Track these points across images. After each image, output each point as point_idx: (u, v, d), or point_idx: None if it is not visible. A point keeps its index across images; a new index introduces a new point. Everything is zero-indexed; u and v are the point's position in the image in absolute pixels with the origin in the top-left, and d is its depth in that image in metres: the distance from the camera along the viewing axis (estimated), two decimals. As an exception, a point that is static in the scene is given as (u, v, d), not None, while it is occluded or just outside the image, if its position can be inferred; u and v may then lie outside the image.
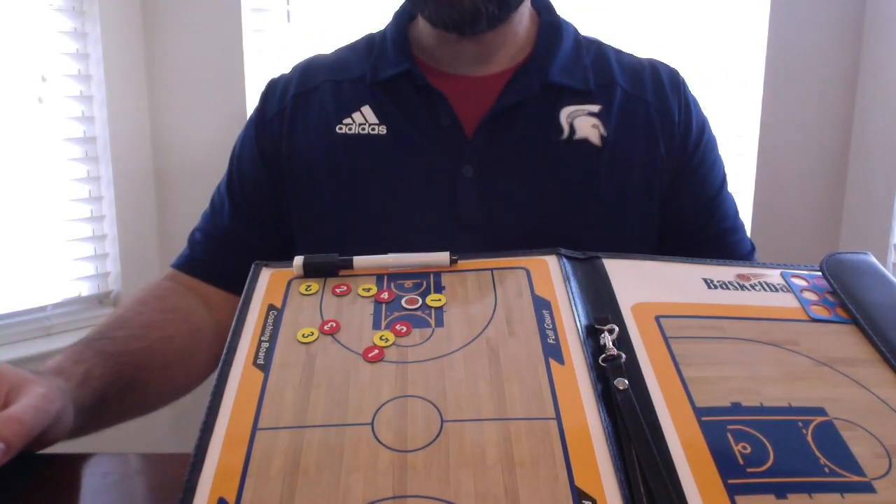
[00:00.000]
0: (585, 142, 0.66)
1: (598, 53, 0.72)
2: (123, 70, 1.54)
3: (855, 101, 1.46)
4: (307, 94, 0.71)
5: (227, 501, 0.32)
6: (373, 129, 0.67)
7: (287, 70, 0.76)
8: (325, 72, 0.72)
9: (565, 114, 0.67)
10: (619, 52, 0.73)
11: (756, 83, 1.44)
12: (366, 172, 0.67)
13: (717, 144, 0.74)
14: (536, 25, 0.72)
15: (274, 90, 0.74)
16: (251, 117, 0.75)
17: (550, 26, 0.71)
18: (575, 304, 0.43)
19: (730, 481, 0.33)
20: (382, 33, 0.74)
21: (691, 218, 0.70)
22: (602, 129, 0.66)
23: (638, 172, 0.67)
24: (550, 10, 0.73)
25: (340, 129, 0.68)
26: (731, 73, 1.46)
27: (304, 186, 0.69)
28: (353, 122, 0.68)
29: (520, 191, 0.65)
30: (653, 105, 0.69)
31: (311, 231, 0.70)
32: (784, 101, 1.45)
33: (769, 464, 0.34)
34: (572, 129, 0.66)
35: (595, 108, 0.67)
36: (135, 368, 0.59)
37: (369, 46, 0.73)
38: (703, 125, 0.72)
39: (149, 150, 1.61)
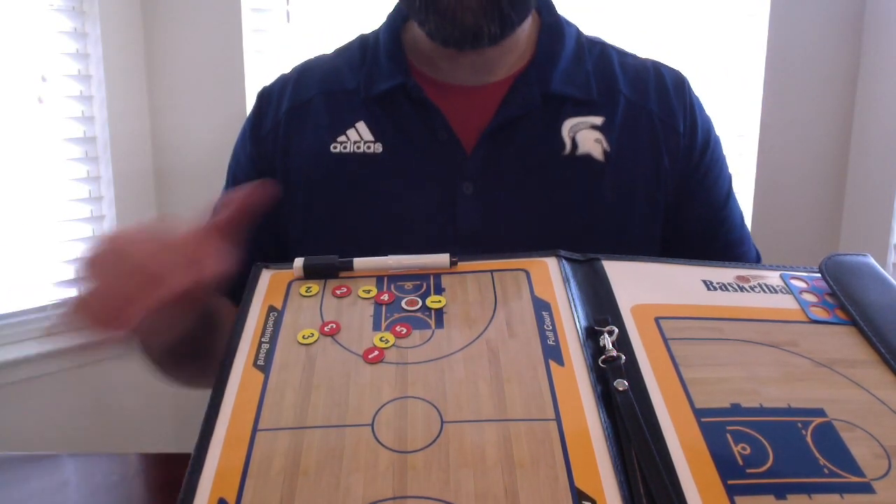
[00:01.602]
0: (588, 157, 0.64)
1: (600, 56, 0.70)
2: (123, 70, 1.54)
3: (855, 101, 1.46)
4: (300, 107, 0.69)
5: (227, 502, 0.32)
6: (368, 147, 0.66)
7: (283, 71, 0.74)
8: (317, 82, 0.70)
9: (567, 127, 0.65)
10: (622, 54, 0.71)
11: (756, 83, 1.44)
12: (362, 193, 0.65)
13: (723, 153, 0.72)
14: (537, 27, 0.69)
15: (268, 103, 0.71)
16: (245, 129, 0.73)
17: (551, 28, 0.69)
18: (575, 305, 0.43)
19: (729, 482, 0.33)
20: (376, 36, 0.71)
21: (697, 230, 0.69)
22: (605, 144, 0.65)
23: (641, 188, 0.66)
24: (551, 9, 0.71)
25: (335, 147, 0.66)
26: (731, 73, 1.46)
27: (299, 207, 0.67)
28: (348, 139, 0.66)
29: (521, 208, 0.64)
30: (656, 115, 0.67)
31: (308, 251, 0.68)
32: (784, 101, 1.45)
33: (769, 464, 0.34)
34: (574, 144, 0.65)
35: (598, 120, 0.66)
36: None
37: (362, 52, 0.71)
38: (709, 133, 0.70)
39: (149, 150, 1.61)
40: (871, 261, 0.49)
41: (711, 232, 0.70)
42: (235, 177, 0.73)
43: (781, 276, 0.48)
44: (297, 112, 0.69)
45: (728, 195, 0.72)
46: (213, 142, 1.52)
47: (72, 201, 1.53)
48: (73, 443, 1.53)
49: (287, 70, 0.75)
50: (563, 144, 0.65)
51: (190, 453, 0.35)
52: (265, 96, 0.72)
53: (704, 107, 0.72)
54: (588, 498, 0.32)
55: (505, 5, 0.60)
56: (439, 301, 0.44)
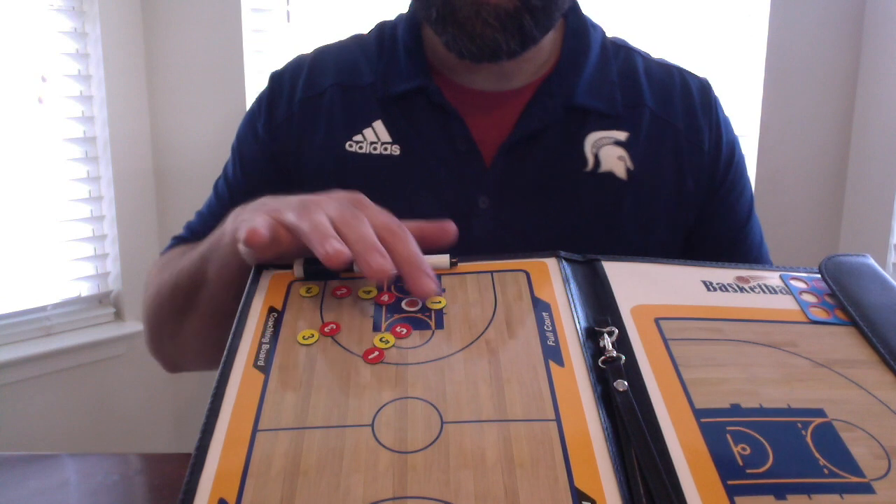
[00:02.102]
0: (610, 175, 0.62)
1: (625, 63, 0.67)
2: (123, 70, 1.54)
3: (855, 101, 1.46)
4: (314, 99, 0.66)
5: (227, 502, 0.33)
6: (385, 149, 0.63)
7: (290, 60, 0.71)
8: (332, 73, 0.67)
9: (590, 142, 0.62)
10: (647, 61, 0.69)
11: (756, 83, 1.45)
12: (376, 195, 0.62)
13: (745, 169, 0.70)
14: (562, 30, 0.66)
15: (280, 89, 0.68)
16: (255, 112, 0.70)
17: (577, 33, 0.66)
18: (575, 306, 0.43)
19: (729, 482, 0.33)
20: (394, 28, 0.68)
21: (715, 250, 0.67)
22: (628, 162, 0.62)
23: (663, 209, 0.64)
24: (577, 11, 0.68)
25: (350, 146, 0.64)
26: (731, 73, 1.46)
27: None
28: (365, 139, 0.64)
29: (538, 225, 0.62)
30: (682, 132, 0.65)
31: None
32: (784, 101, 1.45)
33: (768, 465, 0.34)
34: (597, 161, 0.62)
35: (622, 135, 0.63)
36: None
37: (380, 44, 0.68)
38: (733, 150, 0.68)
39: (149, 150, 1.61)
40: (871, 261, 0.49)
41: (730, 252, 0.68)
42: (243, 158, 0.70)
43: (781, 277, 0.48)
44: (310, 104, 0.67)
45: (749, 214, 0.70)
46: (213, 142, 1.53)
47: (72, 201, 1.53)
48: (73, 443, 1.53)
49: (299, 55, 0.71)
50: (585, 160, 0.62)
51: (190, 453, 0.35)
52: (277, 79, 0.69)
53: (729, 119, 0.69)
54: (588, 498, 0.32)
55: (526, 21, 0.57)
56: (439, 301, 0.44)
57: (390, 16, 0.71)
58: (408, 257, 0.43)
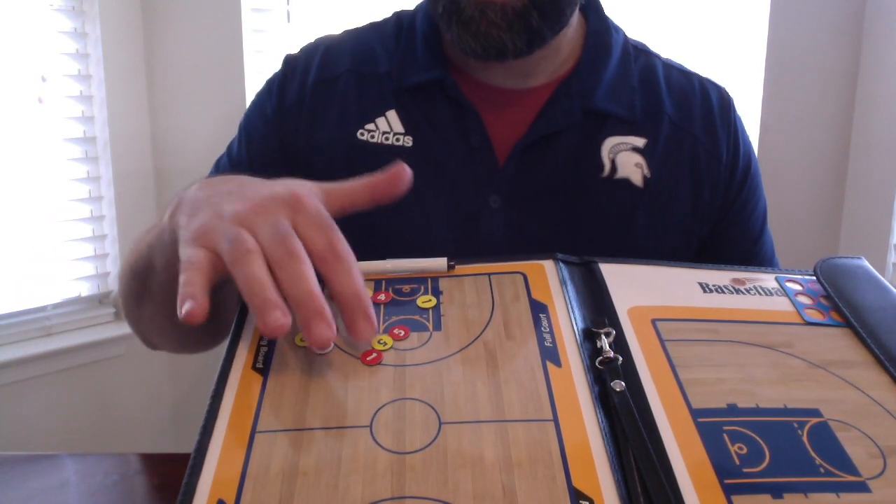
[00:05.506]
0: (626, 182, 0.61)
1: (645, 69, 0.66)
2: (123, 70, 1.54)
3: (855, 101, 1.46)
4: (328, 83, 0.65)
5: (226, 503, 0.33)
6: (397, 140, 0.62)
7: (305, 44, 0.70)
8: (348, 58, 0.66)
9: (607, 147, 0.61)
10: (668, 67, 0.68)
11: (756, 83, 1.45)
12: None
13: (761, 180, 0.69)
14: (583, 31, 0.65)
15: (293, 72, 0.67)
16: (264, 94, 0.69)
17: (598, 35, 0.65)
18: (572, 307, 0.43)
19: (726, 481, 0.33)
20: (412, 17, 0.67)
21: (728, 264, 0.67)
22: (645, 169, 0.62)
23: (678, 220, 0.63)
24: (599, 12, 0.66)
25: (362, 135, 0.63)
26: (731, 73, 1.46)
27: None
28: (377, 128, 0.63)
29: (549, 228, 0.61)
30: (701, 142, 0.64)
31: None
32: (784, 101, 1.45)
33: (765, 464, 0.34)
34: (614, 167, 0.61)
35: (640, 142, 0.62)
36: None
37: (397, 33, 0.66)
38: (749, 161, 0.67)
39: (149, 150, 1.61)
40: (866, 263, 0.49)
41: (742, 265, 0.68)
42: (249, 138, 0.69)
43: (776, 279, 0.48)
44: (323, 88, 0.65)
45: (762, 228, 0.69)
46: (213, 142, 1.53)
47: (72, 201, 1.53)
48: (73, 443, 1.54)
49: (316, 38, 0.70)
50: (601, 166, 0.61)
51: (189, 453, 0.35)
52: (291, 63, 0.68)
53: (747, 132, 0.69)
54: (586, 497, 0.32)
55: (534, 20, 0.55)
56: (430, 300, 0.44)
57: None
58: (347, 293, 0.38)
